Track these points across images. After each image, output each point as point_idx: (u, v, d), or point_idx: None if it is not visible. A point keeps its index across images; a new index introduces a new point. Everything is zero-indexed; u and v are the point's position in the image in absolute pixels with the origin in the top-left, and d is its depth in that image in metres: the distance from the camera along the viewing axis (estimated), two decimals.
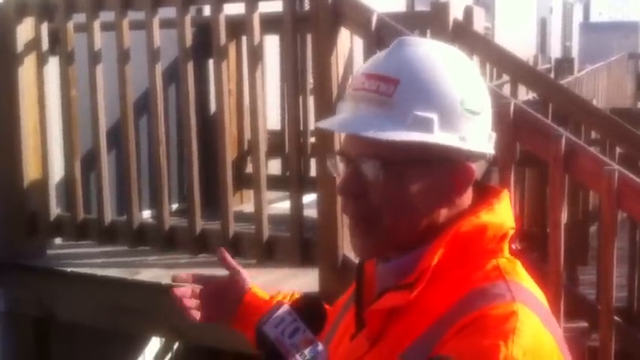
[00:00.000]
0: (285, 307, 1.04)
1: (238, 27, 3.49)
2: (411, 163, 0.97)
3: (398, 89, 0.96)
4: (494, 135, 1.03)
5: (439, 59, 0.99)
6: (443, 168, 0.98)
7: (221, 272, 1.34)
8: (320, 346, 1.03)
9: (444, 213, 1.00)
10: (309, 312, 1.05)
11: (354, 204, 1.00)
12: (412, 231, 0.99)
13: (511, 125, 2.35)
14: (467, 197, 1.03)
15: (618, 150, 3.90)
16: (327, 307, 1.16)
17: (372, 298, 1.03)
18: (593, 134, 4.17)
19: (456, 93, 0.97)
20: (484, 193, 1.05)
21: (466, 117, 0.98)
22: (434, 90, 0.96)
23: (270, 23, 3.15)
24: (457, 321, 0.91)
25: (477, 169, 1.01)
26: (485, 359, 0.87)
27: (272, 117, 4.38)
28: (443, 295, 0.96)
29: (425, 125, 0.95)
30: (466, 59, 1.03)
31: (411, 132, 0.95)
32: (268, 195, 3.11)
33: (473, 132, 0.99)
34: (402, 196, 0.98)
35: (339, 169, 1.03)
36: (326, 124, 1.02)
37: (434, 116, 0.95)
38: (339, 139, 2.62)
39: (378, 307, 0.99)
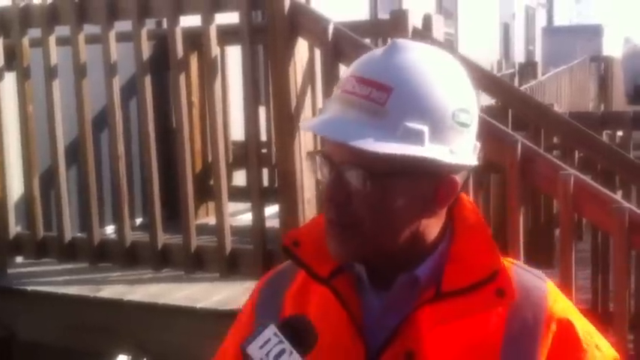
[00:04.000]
0: (272, 328, 0.97)
1: (199, 38, 3.46)
2: (396, 174, 0.95)
3: (391, 98, 0.93)
4: (478, 145, 1.01)
5: (434, 67, 0.97)
6: (428, 180, 0.97)
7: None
8: None
9: (424, 222, 1.00)
10: (298, 333, 0.98)
11: (336, 210, 0.98)
12: (393, 239, 0.98)
13: None
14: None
15: (578, 154, 3.95)
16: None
17: (359, 323, 1.00)
18: (555, 139, 4.22)
19: (449, 105, 0.95)
20: None
21: (456, 130, 0.96)
22: (427, 101, 0.94)
23: (233, 34, 3.14)
24: (539, 328, 1.00)
25: (460, 179, 1.00)
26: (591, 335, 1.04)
27: (236, 128, 4.36)
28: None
29: (415, 137, 0.93)
30: (459, 66, 1.01)
31: (401, 144, 0.92)
32: (234, 207, 3.09)
33: (462, 145, 0.97)
34: (385, 207, 0.96)
35: (322, 171, 1.00)
36: (312, 124, 0.99)
37: (425, 128, 0.93)
38: (302, 141, 2.61)
39: (441, 320, 0.97)
